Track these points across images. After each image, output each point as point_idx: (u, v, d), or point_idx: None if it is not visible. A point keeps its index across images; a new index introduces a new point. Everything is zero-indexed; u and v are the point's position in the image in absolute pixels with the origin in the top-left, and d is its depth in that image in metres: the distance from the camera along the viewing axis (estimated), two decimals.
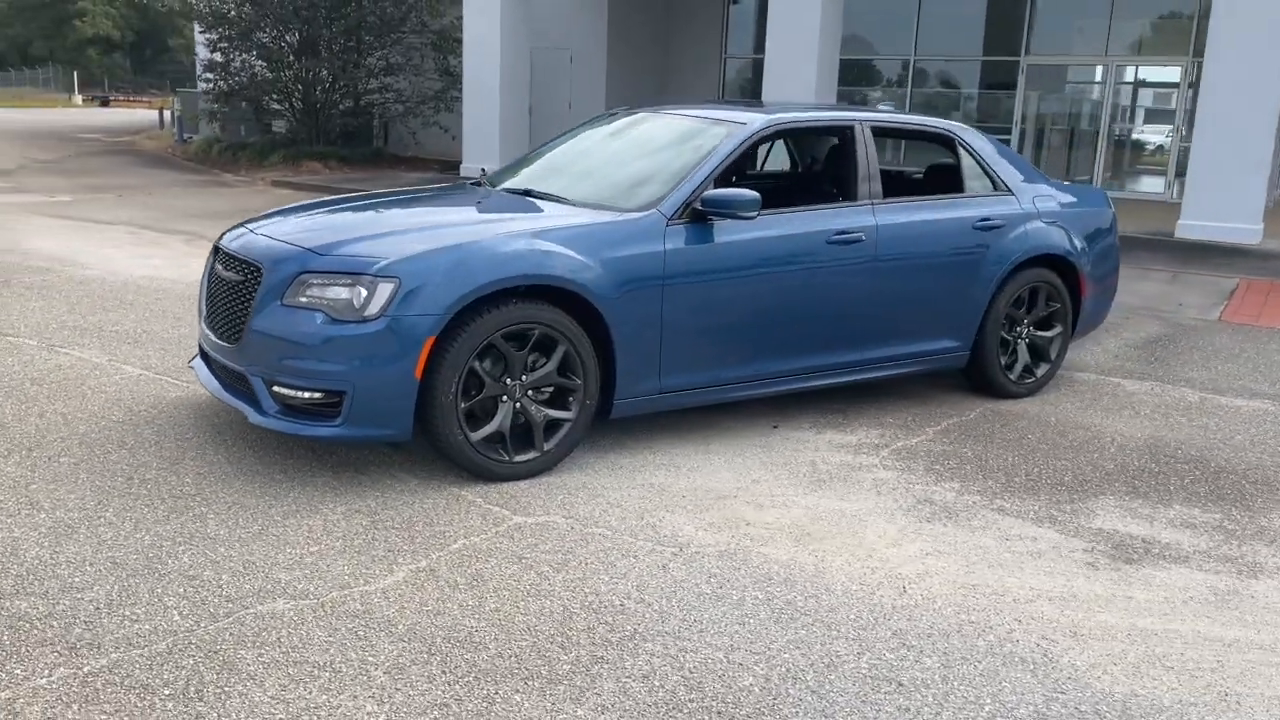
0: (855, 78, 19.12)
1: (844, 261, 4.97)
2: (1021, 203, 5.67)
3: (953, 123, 5.75)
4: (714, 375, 4.74)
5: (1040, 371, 5.89)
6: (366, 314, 3.91)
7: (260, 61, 18.60)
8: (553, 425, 4.32)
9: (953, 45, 18.30)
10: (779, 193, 5.98)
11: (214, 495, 3.95)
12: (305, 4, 17.85)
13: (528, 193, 5.02)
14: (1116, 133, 17.58)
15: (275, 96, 19.09)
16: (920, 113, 17.99)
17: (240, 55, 18.71)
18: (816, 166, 6.64)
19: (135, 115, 37.77)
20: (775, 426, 5.14)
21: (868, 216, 5.08)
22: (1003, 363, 5.71)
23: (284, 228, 4.45)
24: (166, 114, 26.60)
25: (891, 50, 18.73)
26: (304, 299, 3.99)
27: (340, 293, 3.96)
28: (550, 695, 2.75)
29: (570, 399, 4.35)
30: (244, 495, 3.96)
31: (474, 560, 3.51)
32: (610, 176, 4.99)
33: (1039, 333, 5.86)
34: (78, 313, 6.80)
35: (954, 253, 5.38)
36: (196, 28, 20.22)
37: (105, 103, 60.92)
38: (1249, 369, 6.64)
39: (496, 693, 2.75)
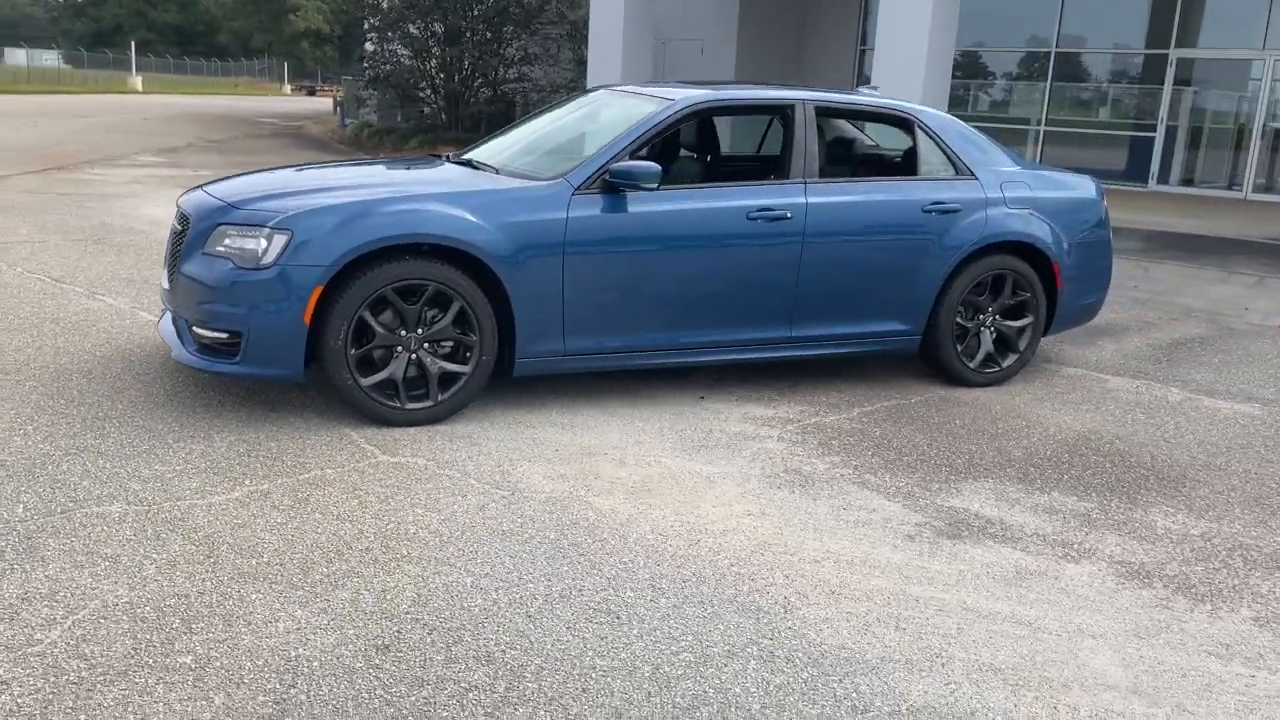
0: (980, 70, 18.54)
1: (768, 238, 5.05)
2: (986, 188, 5.57)
3: (915, 105, 5.69)
4: (625, 341, 4.92)
5: (1007, 362, 5.77)
6: (263, 263, 4.31)
7: (406, 50, 19.63)
8: (449, 378, 4.62)
9: (1096, 37, 17.51)
10: (718, 171, 6.09)
11: (130, 419, 4.43)
12: None
13: (468, 163, 5.32)
14: (1274, 132, 16.42)
15: (420, 84, 20.10)
16: (1056, 107, 17.22)
17: (390, 44, 19.80)
18: (764, 148, 6.70)
19: (326, 103, 40.24)
20: (702, 397, 5.27)
21: (797, 195, 5.14)
22: (959, 349, 5.63)
23: (226, 186, 4.91)
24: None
25: (1027, 41, 18.06)
26: (220, 248, 4.42)
27: (248, 243, 4.37)
28: (285, 597, 3.05)
29: (468, 354, 4.63)
30: (156, 421, 4.43)
31: (313, 488, 3.85)
32: (547, 150, 5.23)
33: (1007, 322, 5.74)
34: (137, 268, 7.55)
35: (898, 234, 5.35)
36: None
37: (311, 92, 65.04)
38: (1262, 374, 6.27)
39: (240, 591, 3.07)
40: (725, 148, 6.56)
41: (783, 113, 5.37)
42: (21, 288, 6.68)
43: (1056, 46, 18.09)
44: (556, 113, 5.78)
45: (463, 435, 4.50)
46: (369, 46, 20.32)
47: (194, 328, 4.49)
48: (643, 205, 4.82)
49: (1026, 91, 19.15)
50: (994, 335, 5.74)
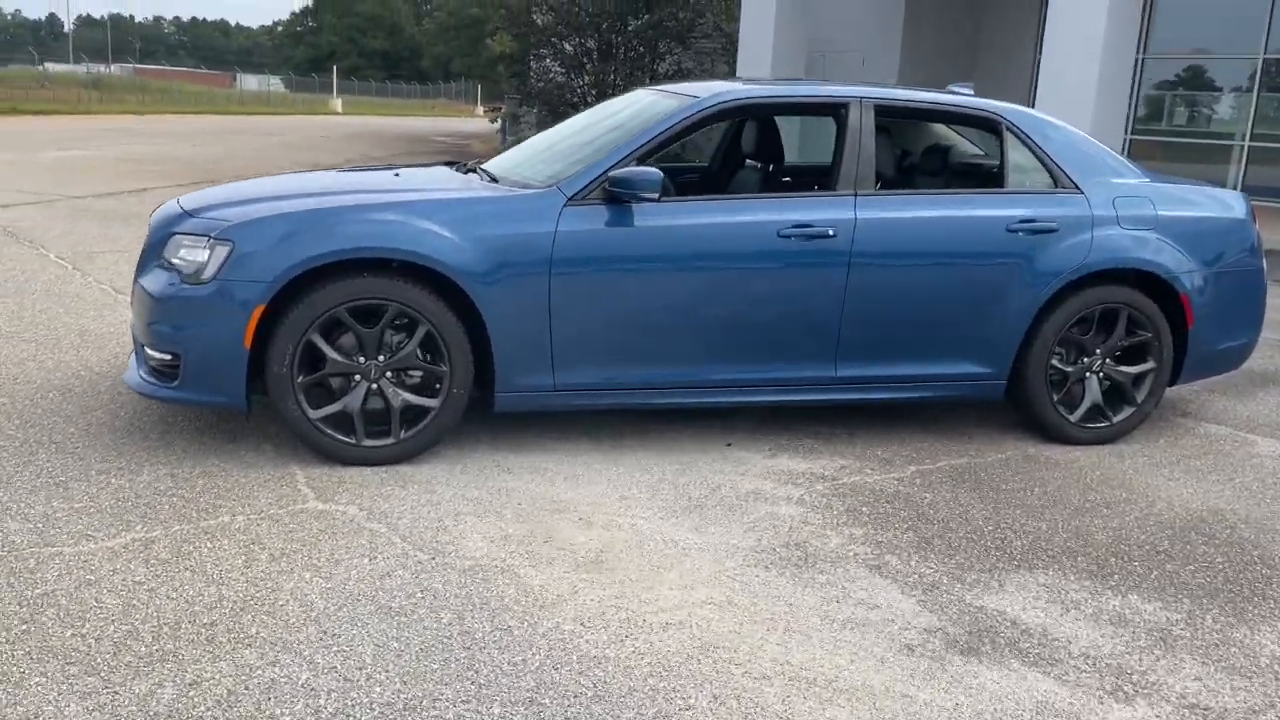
0: (1172, 81, 16.76)
1: (805, 259, 4.24)
2: (1093, 203, 4.57)
3: (1005, 104, 4.72)
4: (632, 377, 4.21)
5: (1119, 415, 4.72)
6: (203, 277, 3.84)
7: (558, 67, 19.49)
8: (415, 412, 4.03)
9: None
10: (776, 182, 5.28)
11: (70, 444, 4.04)
12: (598, 11, 18.45)
13: (474, 170, 4.73)
14: None
15: (572, 99, 19.92)
16: (1264, 121, 15.44)
17: (543, 61, 19.73)
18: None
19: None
20: (729, 444, 4.49)
21: (843, 209, 4.30)
22: (1054, 398, 4.63)
23: (204, 192, 4.50)
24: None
25: (1229, 49, 16.20)
26: (173, 260, 3.98)
27: (193, 255, 3.91)
28: (70, 686, 2.50)
29: (439, 386, 4.04)
30: (95, 447, 4.03)
31: (207, 538, 3.32)
32: (563, 155, 4.57)
33: (1121, 367, 4.71)
34: None
35: (974, 257, 4.42)
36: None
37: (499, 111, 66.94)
38: None
39: (23, 672, 2.54)
40: (804, 156, 5.75)
41: (835, 113, 4.54)
42: (77, 297, 6.55)
43: (1266, 53, 16.16)
44: (587, 116, 5.12)
45: (420, 479, 3.90)
46: (534, 65, 20.35)
47: (145, 347, 4.08)
48: (652, 218, 4.11)
49: (1229, 104, 17.25)
50: (1104, 383, 4.71)
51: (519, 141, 20.01)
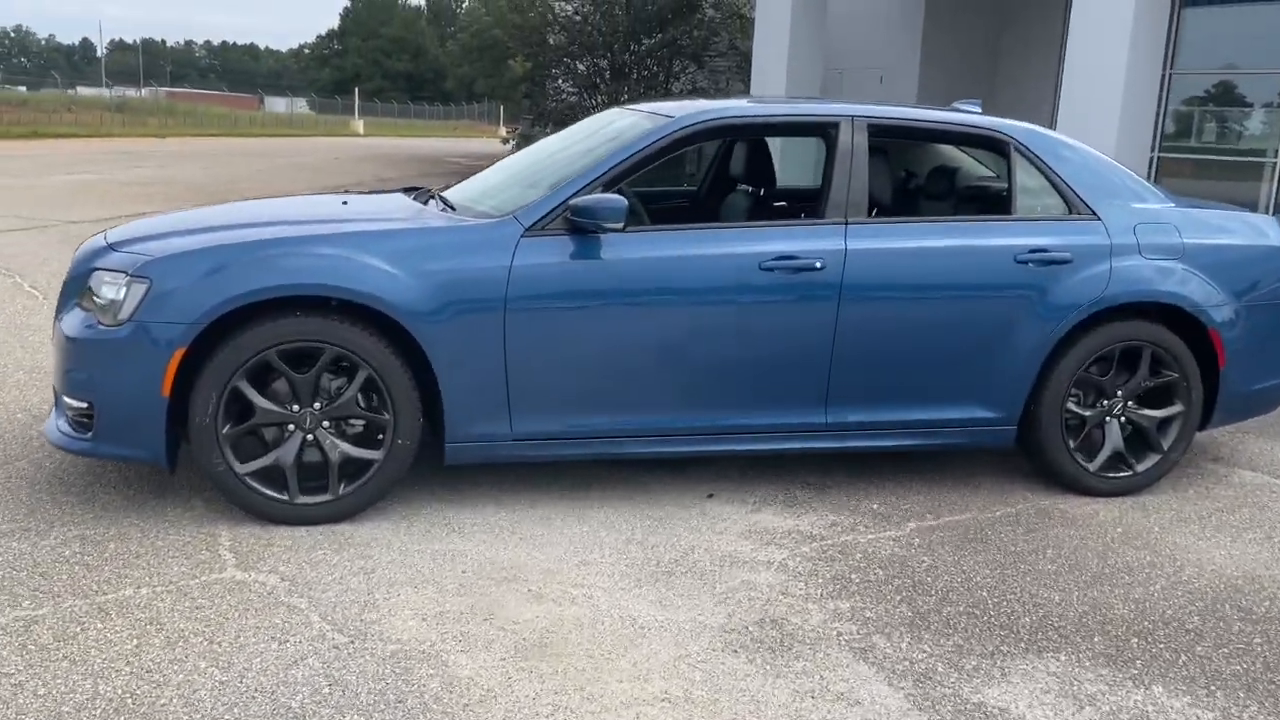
0: (1200, 96, 16.25)
1: (791, 294, 3.83)
2: (1112, 230, 4.14)
3: (1014, 123, 4.30)
4: (596, 424, 3.81)
5: (1143, 464, 4.27)
6: (119, 317, 3.47)
7: (570, 86, 19.20)
8: (357, 466, 3.65)
9: None
10: (766, 209, 4.88)
11: None
12: (611, 30, 18.17)
13: (434, 197, 4.36)
14: None
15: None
16: None
17: (556, 81, 19.45)
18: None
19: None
20: (710, 495, 4.08)
21: (833, 238, 3.89)
22: (1071, 445, 4.19)
23: (131, 225, 4.14)
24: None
25: (1262, 62, 15.67)
26: (94, 298, 3.62)
27: (112, 292, 3.55)
28: None
29: (381, 436, 3.65)
30: (2, 502, 3.66)
31: (100, 616, 2.93)
32: (525, 181, 4.19)
33: (1144, 410, 4.26)
34: None
35: (979, 291, 4.00)
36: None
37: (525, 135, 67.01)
38: None
39: None
40: (802, 179, 5.33)
41: (824, 133, 4.13)
42: (37, 330, 6.22)
43: None
44: (559, 139, 4.74)
45: (358, 541, 3.51)
46: (548, 85, 20.08)
47: (63, 396, 3.71)
48: (620, 250, 3.72)
49: (1261, 120, 16.70)
50: (1126, 428, 4.27)
51: None
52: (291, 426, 3.58)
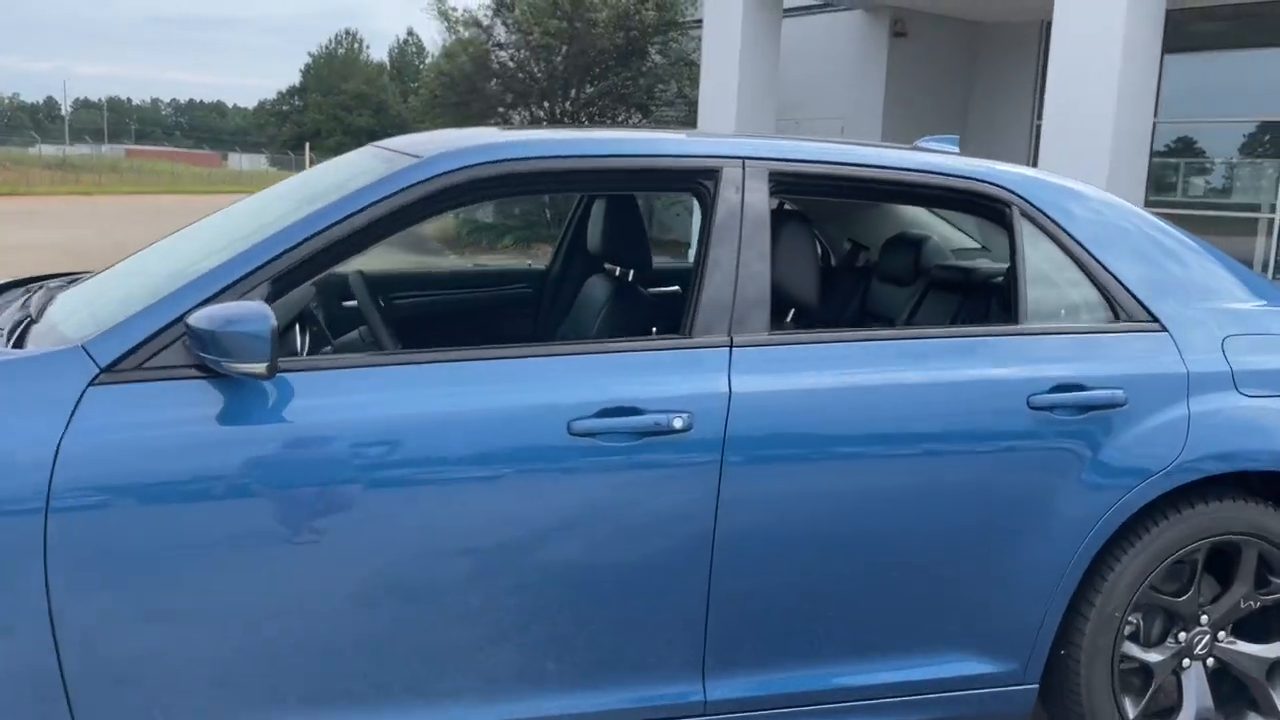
0: (1188, 147, 14.91)
1: (628, 478, 2.09)
2: (1186, 348, 2.44)
3: (1018, 171, 2.59)
4: None
5: None
6: None
7: None
8: None
9: None
10: (595, 298, 3.12)
11: None
12: (549, 76, 16.67)
13: (41, 295, 2.59)
14: None
15: None
16: None
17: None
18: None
19: None
20: None
21: (708, 372, 2.16)
22: (1132, 713, 2.46)
23: None
24: None
25: (1253, 109, 14.37)
26: None
27: None
28: None
29: None
30: None
31: None
32: (174, 269, 2.43)
33: (1245, 646, 2.54)
34: None
35: (968, 462, 2.28)
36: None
37: None
38: None
39: None
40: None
41: (694, 186, 2.39)
42: None
43: None
44: (271, 192, 2.98)
45: None
46: None
47: None
48: (309, 398, 1.97)
49: (1254, 172, 15.35)
50: (1215, 674, 2.54)
51: (470, 220, 17.71)
52: None
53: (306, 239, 2.06)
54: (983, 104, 17.07)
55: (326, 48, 73.19)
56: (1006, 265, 2.68)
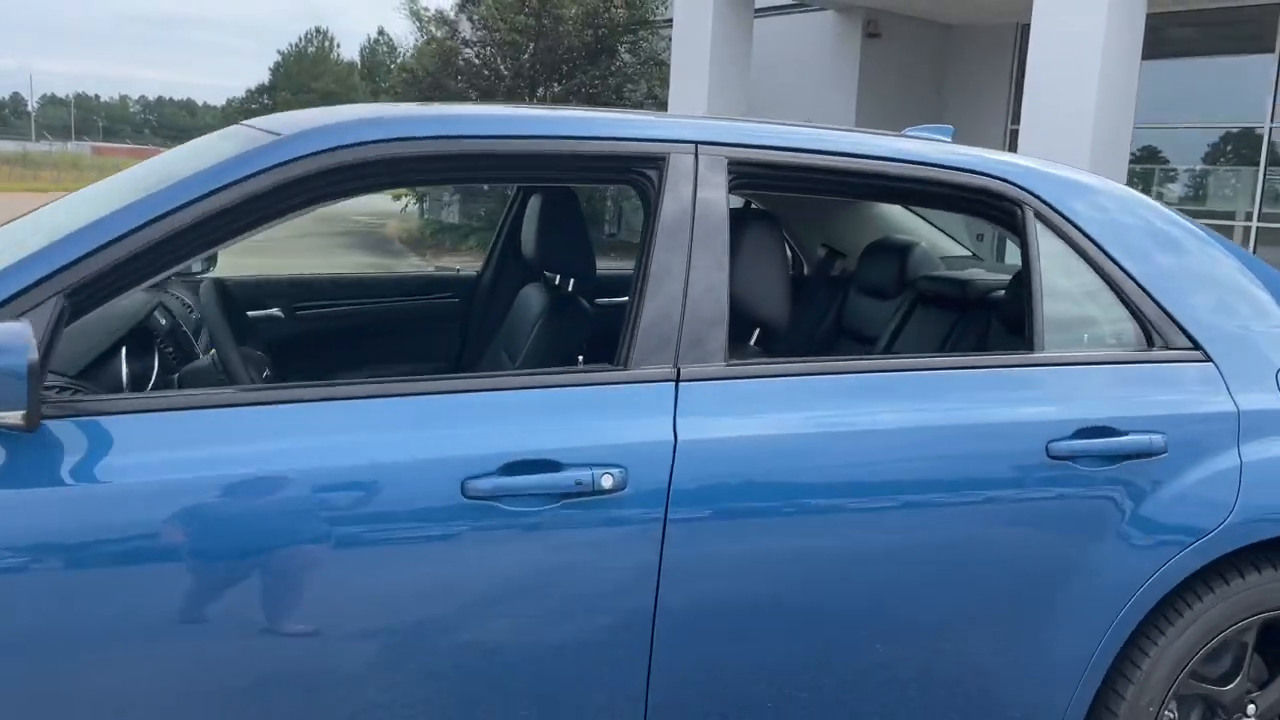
0: (1164, 153, 14.66)
1: (552, 549, 1.62)
2: (1233, 379, 2.00)
3: (1031, 164, 2.15)
4: None
5: None
6: None
7: None
8: None
9: None
10: (527, 312, 2.63)
11: None
12: (514, 74, 16.19)
13: None
14: None
15: None
16: (1272, 198, 13.43)
17: None
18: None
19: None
20: None
21: (648, 414, 1.70)
22: None
23: None
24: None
25: (1229, 117, 14.14)
26: None
27: None
28: None
29: None
30: None
31: None
32: None
33: None
34: None
35: (972, 524, 1.83)
36: None
37: None
38: None
39: None
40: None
41: (635, 179, 1.92)
42: None
43: (1273, 122, 14.09)
44: (137, 170, 2.47)
45: None
46: None
47: None
48: (92, 456, 1.49)
49: (1229, 179, 15.16)
50: None
51: (432, 223, 17.24)
52: None
53: (121, 237, 1.57)
54: (957, 107, 16.74)
55: (296, 46, 72.35)
56: (1005, 276, 2.24)
